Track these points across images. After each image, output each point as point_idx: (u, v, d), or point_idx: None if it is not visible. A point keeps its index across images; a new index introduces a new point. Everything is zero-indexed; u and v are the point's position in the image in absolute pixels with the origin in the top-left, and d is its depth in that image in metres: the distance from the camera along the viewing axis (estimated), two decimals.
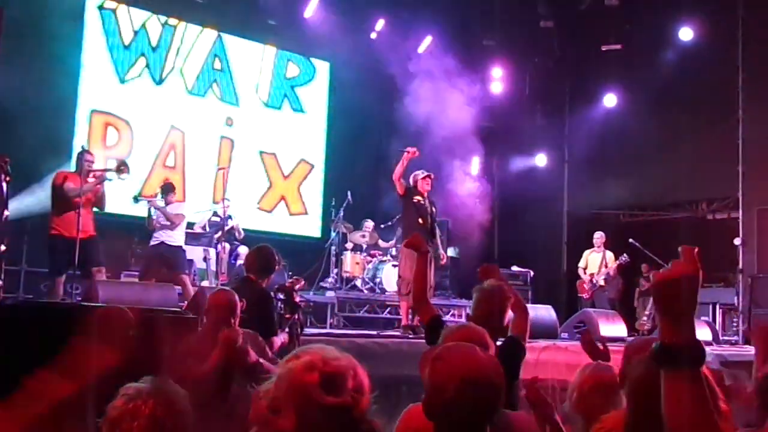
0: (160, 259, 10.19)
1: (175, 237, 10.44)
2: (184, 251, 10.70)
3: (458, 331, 3.40)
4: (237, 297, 5.18)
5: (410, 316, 9.62)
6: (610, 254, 13.40)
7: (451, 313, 12.57)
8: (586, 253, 13.63)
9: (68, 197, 8.80)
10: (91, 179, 8.98)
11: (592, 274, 13.35)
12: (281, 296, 6.39)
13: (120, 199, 9.98)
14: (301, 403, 1.82)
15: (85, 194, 8.79)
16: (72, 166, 9.92)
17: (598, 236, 13.57)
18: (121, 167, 9.21)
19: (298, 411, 1.82)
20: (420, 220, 9.88)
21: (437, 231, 10.45)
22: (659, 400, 2.24)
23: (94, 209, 9.23)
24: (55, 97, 12.05)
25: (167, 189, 10.66)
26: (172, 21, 14.29)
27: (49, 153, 11.08)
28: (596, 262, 13.43)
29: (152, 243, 10.38)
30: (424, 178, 10.17)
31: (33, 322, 5.12)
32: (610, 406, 3.44)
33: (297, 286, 6.67)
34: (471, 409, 2.34)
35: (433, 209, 10.22)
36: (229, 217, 12.06)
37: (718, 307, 13.29)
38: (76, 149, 10.77)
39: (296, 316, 6.36)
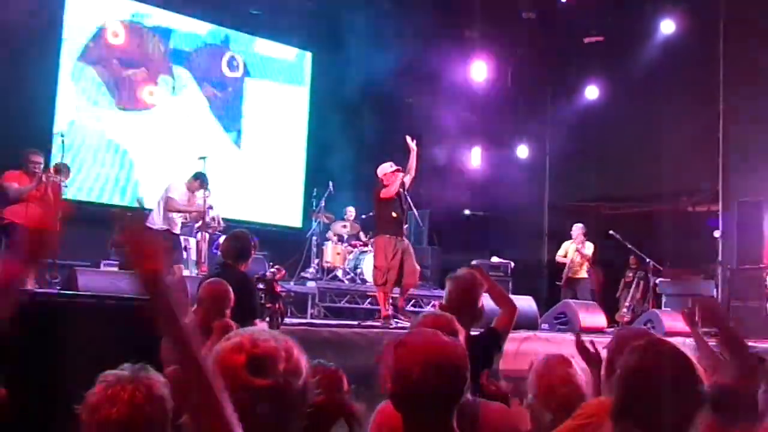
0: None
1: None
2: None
3: (425, 318, 3.39)
4: (230, 287, 5.22)
5: (387, 306, 9.67)
6: (589, 245, 13.45)
7: (432, 304, 12.57)
8: (566, 243, 13.68)
9: (9, 197, 9.00)
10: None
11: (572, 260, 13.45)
12: (262, 286, 6.39)
13: (101, 187, 9.90)
14: (226, 384, 1.80)
15: (23, 194, 8.98)
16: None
17: (575, 228, 13.61)
18: (61, 169, 9.30)
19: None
20: (393, 214, 9.82)
21: (406, 220, 10.35)
22: (650, 389, 2.26)
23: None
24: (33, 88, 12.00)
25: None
26: (156, 11, 14.23)
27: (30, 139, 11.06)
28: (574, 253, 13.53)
29: (158, 227, 10.23)
30: (393, 172, 9.97)
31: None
32: (568, 371, 3.47)
33: (278, 276, 6.67)
34: (436, 392, 2.34)
35: (406, 199, 10.07)
36: (210, 207, 12.01)
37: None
38: (57, 140, 10.72)
39: (277, 306, 6.36)
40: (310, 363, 2.15)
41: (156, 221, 10.26)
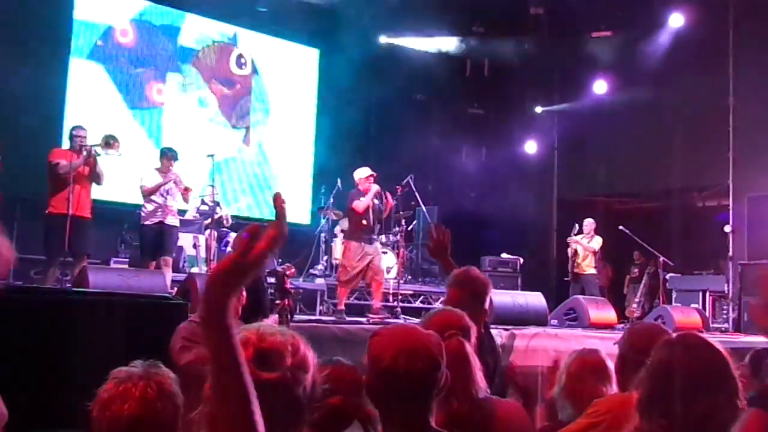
0: (160, 240, 9.89)
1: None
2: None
3: (435, 315, 3.29)
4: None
5: (343, 302, 10.28)
6: (597, 239, 13.42)
7: (440, 300, 12.57)
8: (577, 238, 13.65)
9: (60, 174, 8.78)
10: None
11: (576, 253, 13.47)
12: (272, 280, 6.39)
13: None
14: None
15: (74, 170, 8.77)
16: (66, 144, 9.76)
17: (587, 223, 13.59)
18: (110, 141, 9.11)
19: None
20: (363, 222, 10.24)
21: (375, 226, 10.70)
22: (677, 381, 2.25)
23: (94, 184, 9.20)
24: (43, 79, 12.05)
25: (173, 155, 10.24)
26: (164, 9, 14.26)
27: (41, 136, 11.13)
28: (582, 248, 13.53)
29: (151, 221, 9.91)
30: (366, 177, 10.40)
31: (21, 309, 5.10)
32: (600, 386, 3.45)
33: (288, 273, 6.67)
34: (408, 378, 2.31)
35: (379, 205, 10.48)
36: (218, 204, 12.03)
37: (708, 294, 13.30)
38: (66, 132, 10.73)
39: (286, 302, 6.36)
40: (329, 360, 2.13)
41: (146, 217, 9.94)
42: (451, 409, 2.43)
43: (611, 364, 3.57)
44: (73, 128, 9.36)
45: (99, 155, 9.03)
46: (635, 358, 3.08)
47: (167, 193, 9.96)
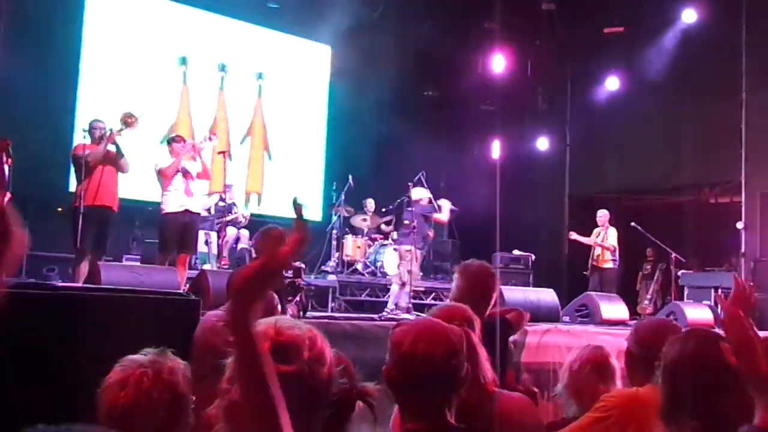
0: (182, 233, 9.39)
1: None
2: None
3: (440, 310, 3.31)
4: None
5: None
6: (612, 231, 13.36)
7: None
8: (596, 230, 13.60)
9: (82, 165, 8.84)
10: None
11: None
12: (290, 274, 6.40)
13: (122, 182, 9.89)
14: None
15: (96, 158, 8.85)
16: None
17: (601, 214, 13.54)
18: (128, 119, 9.10)
19: None
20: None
21: None
22: (694, 379, 2.24)
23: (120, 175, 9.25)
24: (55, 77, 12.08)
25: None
26: (173, 6, 14.28)
27: (49, 136, 11.14)
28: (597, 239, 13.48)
29: (175, 209, 9.33)
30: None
31: (27, 305, 5.11)
32: (601, 384, 3.45)
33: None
34: (425, 362, 2.32)
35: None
36: (234, 204, 12.05)
37: (720, 291, 13.25)
38: (78, 130, 10.75)
39: (298, 298, 6.38)
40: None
41: (169, 205, 9.36)
42: (459, 399, 2.43)
43: (615, 362, 3.57)
44: (92, 121, 9.37)
45: (120, 135, 9.06)
46: (642, 353, 3.08)
47: (187, 176, 9.48)
